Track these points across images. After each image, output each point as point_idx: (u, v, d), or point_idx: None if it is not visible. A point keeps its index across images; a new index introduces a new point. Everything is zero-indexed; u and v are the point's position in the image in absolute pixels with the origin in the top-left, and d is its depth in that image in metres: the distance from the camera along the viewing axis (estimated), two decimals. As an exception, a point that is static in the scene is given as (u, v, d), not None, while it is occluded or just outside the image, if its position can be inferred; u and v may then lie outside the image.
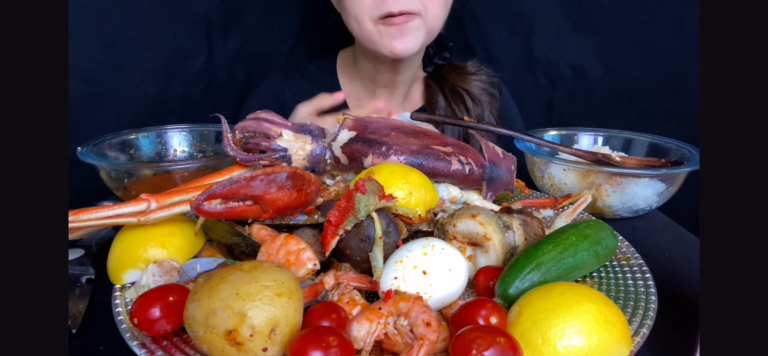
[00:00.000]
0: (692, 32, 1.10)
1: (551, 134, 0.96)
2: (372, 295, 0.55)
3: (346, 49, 1.19)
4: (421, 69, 1.17)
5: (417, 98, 1.16)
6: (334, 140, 0.70)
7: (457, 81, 1.12)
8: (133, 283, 0.55)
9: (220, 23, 1.16)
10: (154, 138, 0.89)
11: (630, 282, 0.57)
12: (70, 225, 0.54)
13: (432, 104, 1.13)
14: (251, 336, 0.40)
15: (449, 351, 0.42)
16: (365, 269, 0.55)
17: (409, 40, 0.95)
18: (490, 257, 0.57)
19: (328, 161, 0.70)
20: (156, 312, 0.45)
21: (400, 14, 0.91)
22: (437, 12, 0.97)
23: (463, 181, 0.71)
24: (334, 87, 1.15)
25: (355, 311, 0.48)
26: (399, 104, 1.16)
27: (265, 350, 0.41)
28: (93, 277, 0.60)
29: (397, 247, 0.54)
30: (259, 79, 1.19)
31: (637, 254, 0.63)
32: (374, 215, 0.54)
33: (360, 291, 0.52)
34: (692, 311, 0.56)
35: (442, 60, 1.15)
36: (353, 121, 0.71)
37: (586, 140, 0.97)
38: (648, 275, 0.58)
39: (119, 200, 0.76)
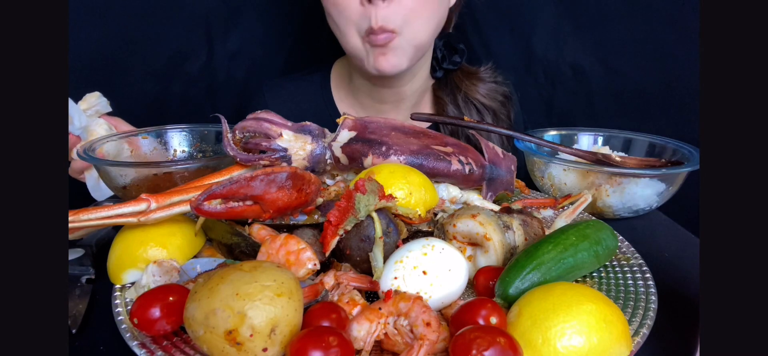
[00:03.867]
0: (692, 32, 1.10)
1: (551, 134, 0.96)
2: (372, 295, 0.55)
3: (341, 60, 1.12)
4: (429, 78, 1.10)
5: (425, 110, 1.10)
6: (334, 140, 0.70)
7: (470, 90, 1.05)
8: (133, 283, 0.55)
9: (220, 23, 1.16)
10: (154, 138, 0.89)
11: (630, 282, 0.57)
12: (70, 225, 0.54)
13: (441, 115, 1.06)
14: (251, 336, 0.40)
15: (449, 351, 0.42)
16: (365, 269, 0.55)
17: (395, 57, 0.90)
18: (490, 257, 0.57)
19: (328, 161, 0.70)
20: (156, 312, 0.45)
21: (381, 31, 0.86)
22: (420, 25, 0.90)
23: (463, 181, 0.71)
24: (328, 103, 1.10)
25: (355, 311, 0.48)
26: (405, 119, 1.10)
27: (265, 350, 0.41)
28: (93, 277, 0.60)
29: (397, 247, 0.54)
30: (259, 79, 1.19)
31: (637, 254, 0.63)
32: (374, 215, 0.54)
33: (360, 291, 0.52)
34: (692, 311, 0.56)
35: (452, 65, 1.07)
36: (353, 121, 0.71)
37: (586, 140, 0.97)
38: (648, 275, 0.58)
39: (119, 200, 0.76)
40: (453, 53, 1.06)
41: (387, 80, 1.00)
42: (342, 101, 1.11)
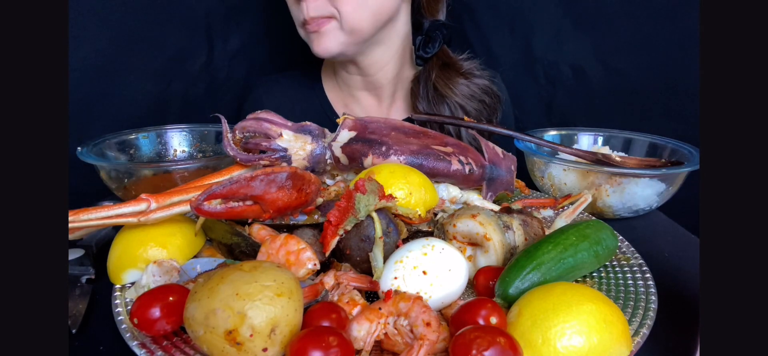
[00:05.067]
0: (692, 32, 1.10)
1: (551, 134, 0.96)
2: (372, 295, 0.55)
3: None
4: (411, 67, 1.10)
5: (405, 102, 1.10)
6: (334, 140, 0.70)
7: (439, 82, 1.01)
8: (133, 283, 0.55)
9: (220, 23, 1.16)
10: (154, 138, 0.89)
11: (630, 282, 0.57)
12: (70, 225, 0.54)
13: (414, 109, 1.04)
14: (251, 336, 0.40)
15: (449, 351, 0.42)
16: (365, 269, 0.55)
17: (327, 41, 0.95)
18: (490, 257, 0.57)
19: (328, 161, 0.70)
20: (156, 312, 0.45)
21: (311, 20, 0.93)
22: (350, 11, 0.93)
23: (463, 181, 0.71)
24: (320, 94, 1.14)
25: (355, 311, 0.48)
26: (386, 108, 1.11)
27: (265, 350, 0.41)
28: (93, 277, 0.60)
29: (397, 247, 0.54)
30: (265, 74, 1.19)
31: (637, 254, 0.63)
32: (374, 215, 0.54)
33: (360, 291, 0.52)
34: (692, 311, 0.56)
35: (424, 53, 1.02)
36: (353, 121, 0.71)
37: (586, 140, 0.97)
38: (648, 275, 0.58)
39: (119, 200, 0.76)
40: (428, 42, 1.04)
41: (352, 68, 1.06)
42: (330, 92, 1.14)
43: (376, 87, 1.09)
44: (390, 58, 1.06)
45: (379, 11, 0.96)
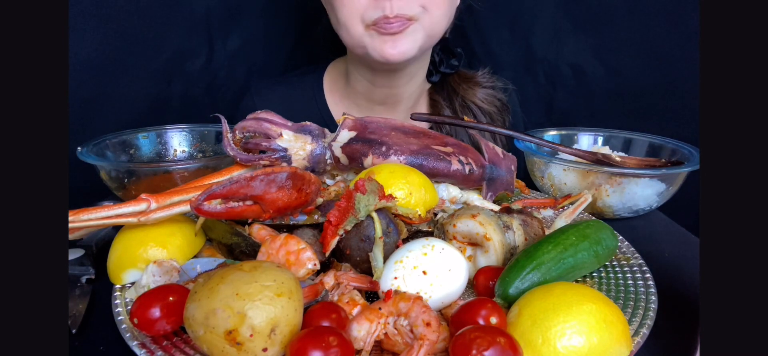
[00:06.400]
0: (692, 32, 1.10)
1: (551, 134, 0.96)
2: (372, 295, 0.55)
3: (336, 62, 1.10)
4: (425, 82, 1.08)
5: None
6: (334, 140, 0.70)
7: (467, 94, 1.04)
8: (133, 283, 0.55)
9: (220, 23, 1.16)
10: (154, 138, 0.89)
11: (630, 282, 0.57)
12: (70, 225, 0.54)
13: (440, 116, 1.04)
14: (251, 336, 0.40)
15: (449, 351, 0.42)
16: (365, 269, 0.55)
17: (404, 44, 0.85)
18: (490, 257, 0.57)
19: (328, 161, 0.70)
20: (156, 312, 0.45)
21: (396, 19, 0.83)
22: (439, 15, 0.88)
23: (463, 181, 0.71)
24: (321, 106, 1.07)
25: (355, 311, 0.48)
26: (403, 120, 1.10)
27: (265, 350, 0.41)
28: (93, 277, 0.60)
29: (397, 247, 0.54)
30: (258, 79, 1.19)
31: (637, 254, 0.63)
32: (374, 215, 0.54)
33: (360, 291, 0.52)
34: (692, 311, 0.56)
35: (450, 68, 1.05)
36: (353, 121, 0.71)
37: (586, 140, 0.97)
38: (648, 275, 0.58)
39: (119, 200, 0.76)
40: (450, 57, 1.06)
41: (388, 74, 0.98)
42: (336, 105, 1.08)
43: (398, 101, 1.05)
44: (418, 69, 1.02)
45: (449, 22, 0.94)
